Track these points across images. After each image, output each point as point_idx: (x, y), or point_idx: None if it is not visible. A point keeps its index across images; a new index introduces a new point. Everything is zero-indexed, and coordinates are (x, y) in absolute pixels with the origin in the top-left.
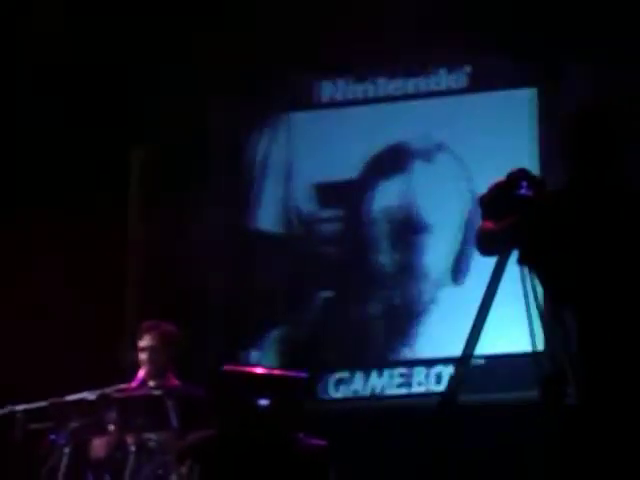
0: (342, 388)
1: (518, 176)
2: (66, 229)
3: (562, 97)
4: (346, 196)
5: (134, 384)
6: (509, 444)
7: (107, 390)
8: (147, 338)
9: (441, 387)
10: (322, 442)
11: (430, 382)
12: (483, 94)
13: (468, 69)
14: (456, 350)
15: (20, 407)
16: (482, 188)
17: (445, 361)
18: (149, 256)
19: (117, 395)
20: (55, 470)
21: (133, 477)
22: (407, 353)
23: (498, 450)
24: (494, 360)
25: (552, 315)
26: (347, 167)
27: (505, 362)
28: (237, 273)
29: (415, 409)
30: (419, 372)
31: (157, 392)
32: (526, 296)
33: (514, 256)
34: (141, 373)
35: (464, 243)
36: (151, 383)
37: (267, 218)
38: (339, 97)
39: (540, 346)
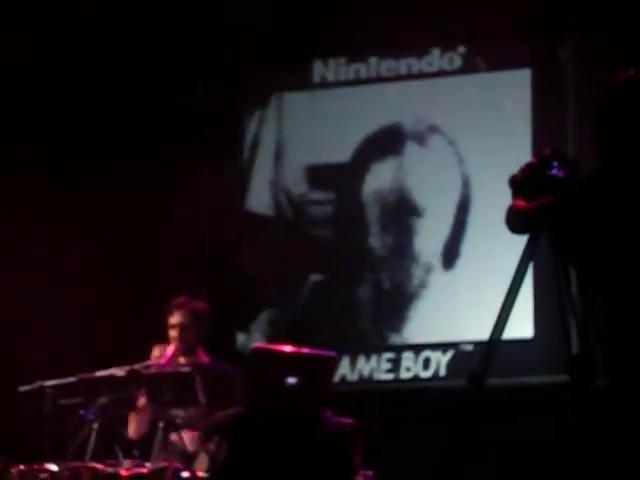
0: None
1: (549, 156)
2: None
3: (556, 78)
4: (337, 178)
5: (163, 360)
6: (535, 427)
7: (136, 366)
8: (177, 315)
9: (429, 373)
10: (349, 420)
11: (418, 368)
12: (477, 75)
13: (462, 50)
14: (444, 336)
15: (50, 383)
16: (475, 171)
17: (434, 346)
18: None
19: (146, 371)
20: (84, 445)
21: (161, 453)
22: (396, 338)
23: (521, 434)
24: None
25: (583, 298)
26: (338, 149)
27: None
28: (225, 255)
29: (404, 393)
30: (407, 357)
31: (186, 369)
32: (557, 279)
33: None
34: (170, 349)
35: (455, 227)
36: (181, 360)
37: (257, 200)
38: (331, 78)
39: (570, 329)
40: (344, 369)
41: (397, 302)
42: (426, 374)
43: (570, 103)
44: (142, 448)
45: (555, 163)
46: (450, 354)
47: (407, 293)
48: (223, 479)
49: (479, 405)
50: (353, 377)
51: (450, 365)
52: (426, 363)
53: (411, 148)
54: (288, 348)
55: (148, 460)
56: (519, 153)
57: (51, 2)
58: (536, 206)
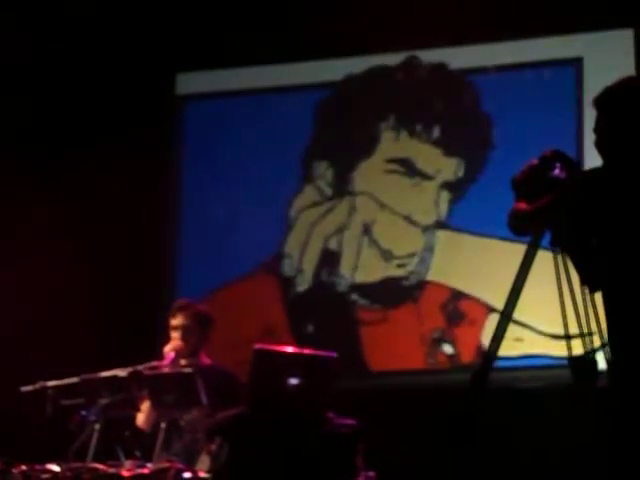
0: None
1: (552, 157)
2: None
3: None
4: None
5: (165, 362)
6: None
7: (138, 367)
8: (180, 317)
9: None
10: (352, 421)
11: None
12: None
13: None
14: None
15: (51, 383)
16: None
17: None
18: None
19: (148, 372)
20: (86, 446)
21: (163, 454)
22: None
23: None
24: None
25: (584, 298)
26: None
27: None
28: None
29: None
30: None
31: (187, 370)
32: (559, 279)
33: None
34: (172, 353)
35: None
36: (182, 362)
37: None
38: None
39: (572, 328)
40: None
41: None
42: None
43: None
44: (143, 449)
45: (557, 164)
46: None
47: None
48: None
49: (482, 405)
50: None
51: None
52: None
53: None
54: (290, 349)
55: (150, 461)
56: None
57: None
58: (538, 207)
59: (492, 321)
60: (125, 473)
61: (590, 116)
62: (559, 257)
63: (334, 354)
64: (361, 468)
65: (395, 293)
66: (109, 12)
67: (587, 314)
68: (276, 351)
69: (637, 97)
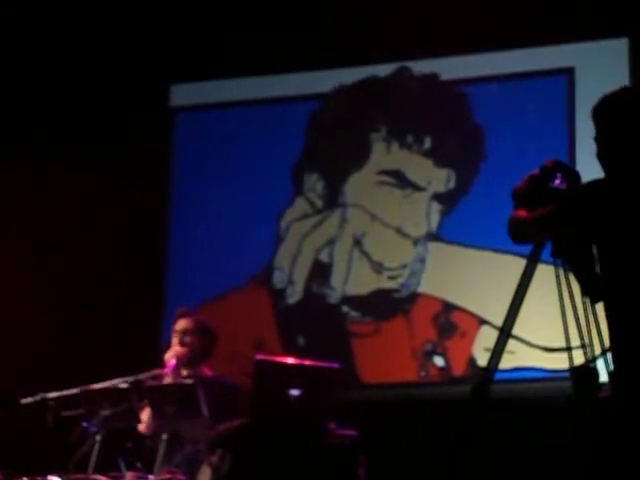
0: None
1: (552, 168)
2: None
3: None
4: None
5: (167, 370)
6: (539, 437)
7: (139, 377)
8: (181, 322)
9: None
10: (353, 432)
11: None
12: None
13: None
14: None
15: (52, 394)
16: None
17: None
18: None
19: (149, 383)
20: (87, 457)
21: (164, 465)
22: None
23: (526, 443)
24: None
25: (585, 309)
26: None
27: None
28: None
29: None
30: None
31: (188, 381)
32: (560, 290)
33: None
34: (173, 361)
35: None
36: (183, 372)
37: None
38: None
39: (574, 340)
40: None
41: None
42: None
43: None
44: (145, 460)
45: (557, 175)
46: None
47: None
48: None
49: (484, 415)
50: None
51: None
52: None
53: None
54: (291, 360)
55: (151, 472)
56: None
57: None
58: (538, 215)
59: (484, 333)
60: None
61: (583, 126)
62: (560, 269)
63: (336, 365)
64: (362, 479)
65: (386, 305)
66: (103, 24)
67: (588, 325)
68: (277, 362)
69: (635, 105)
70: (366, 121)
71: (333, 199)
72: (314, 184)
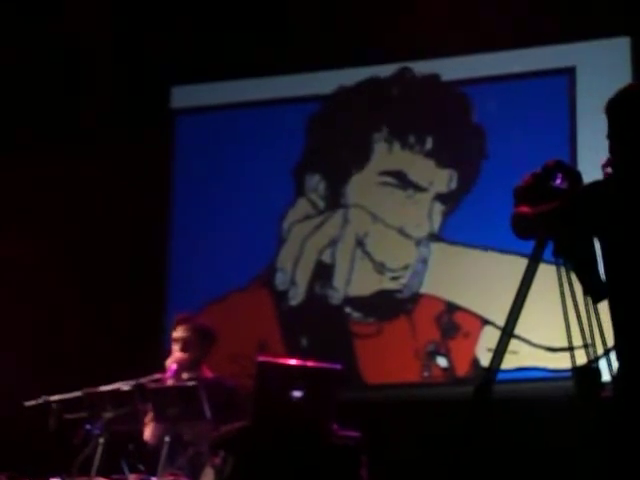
0: None
1: (554, 167)
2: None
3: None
4: None
5: (168, 374)
6: (541, 437)
7: (141, 380)
8: (180, 329)
9: None
10: (355, 433)
11: None
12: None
13: None
14: None
15: (55, 397)
16: None
17: None
18: None
19: (151, 386)
20: (90, 460)
21: (167, 467)
22: None
23: (529, 443)
24: None
25: (588, 309)
26: None
27: None
28: None
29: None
30: None
31: (191, 383)
32: (562, 289)
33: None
34: (174, 365)
35: None
36: (184, 375)
37: None
38: None
39: (576, 339)
40: None
41: None
42: None
43: None
44: (147, 463)
45: (559, 174)
46: None
47: None
48: None
49: (486, 415)
50: None
51: None
52: None
53: None
54: (294, 361)
55: (154, 475)
56: None
57: None
58: (541, 211)
59: (487, 333)
60: None
61: (584, 126)
62: (562, 269)
63: (338, 366)
64: None
65: (389, 306)
66: (105, 26)
67: (590, 325)
68: (280, 363)
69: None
70: (367, 122)
71: (335, 200)
72: (316, 185)
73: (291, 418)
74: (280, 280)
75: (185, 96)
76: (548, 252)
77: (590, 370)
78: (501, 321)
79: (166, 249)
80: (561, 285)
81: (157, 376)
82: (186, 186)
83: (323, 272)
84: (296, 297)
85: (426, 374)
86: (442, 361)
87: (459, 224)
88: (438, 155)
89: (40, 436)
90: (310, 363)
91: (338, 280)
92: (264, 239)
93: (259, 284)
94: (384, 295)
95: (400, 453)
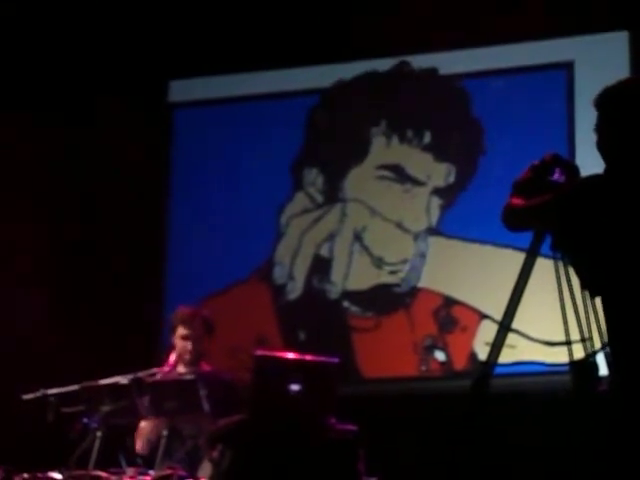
0: None
1: (551, 162)
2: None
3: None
4: None
5: (166, 368)
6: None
7: (139, 374)
8: (188, 327)
9: None
10: (352, 427)
11: None
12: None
13: None
14: None
15: (52, 391)
16: None
17: None
18: None
19: (149, 379)
20: (87, 453)
21: (165, 461)
22: None
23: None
24: None
25: (585, 303)
26: None
27: None
28: None
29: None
30: None
31: (189, 377)
32: (559, 283)
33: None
34: (173, 357)
35: None
36: (181, 368)
37: None
38: None
39: (573, 334)
40: None
41: None
42: None
43: None
44: (145, 456)
45: (557, 169)
46: None
47: None
48: None
49: (484, 409)
50: None
51: None
52: None
53: None
54: (291, 355)
55: (152, 468)
56: None
57: None
58: (534, 203)
59: (484, 328)
60: None
61: (582, 120)
62: (559, 263)
63: (336, 360)
64: (363, 474)
65: (387, 300)
66: (102, 19)
67: (588, 319)
68: (277, 357)
69: (637, 96)
70: (366, 116)
71: (333, 194)
72: (314, 179)
73: (289, 412)
74: (278, 274)
75: (183, 90)
76: (546, 246)
77: (587, 364)
78: (499, 315)
79: (164, 242)
80: (559, 279)
81: (155, 370)
82: (184, 180)
83: (321, 266)
84: (294, 291)
85: (424, 368)
86: (440, 355)
87: (457, 218)
88: (436, 149)
89: (38, 430)
90: (308, 357)
91: (336, 274)
92: (262, 233)
93: (257, 278)
94: (382, 289)
95: (398, 447)
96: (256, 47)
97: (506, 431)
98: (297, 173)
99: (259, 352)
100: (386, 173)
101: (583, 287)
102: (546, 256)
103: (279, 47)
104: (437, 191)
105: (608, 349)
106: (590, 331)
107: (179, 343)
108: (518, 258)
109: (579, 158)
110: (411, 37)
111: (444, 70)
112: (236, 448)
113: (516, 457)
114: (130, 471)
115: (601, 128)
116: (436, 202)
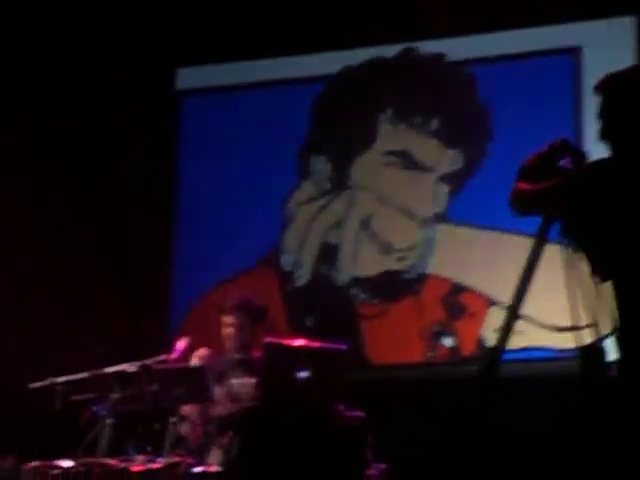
0: None
1: (560, 147)
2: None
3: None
4: None
5: (174, 355)
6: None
7: (147, 362)
8: (233, 316)
9: None
10: (361, 413)
11: None
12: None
13: None
14: None
15: (61, 379)
16: None
17: None
18: None
19: (157, 367)
20: (96, 441)
21: (173, 448)
22: None
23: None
24: None
25: (593, 288)
26: None
27: None
28: None
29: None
30: None
31: (196, 364)
32: (567, 269)
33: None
34: (181, 344)
35: None
36: (194, 356)
37: None
38: None
39: (582, 319)
40: None
41: None
42: None
43: None
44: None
45: (565, 154)
46: None
47: None
48: (236, 473)
49: (492, 395)
50: None
51: None
52: None
53: None
54: (299, 342)
55: (161, 455)
56: None
57: None
58: (541, 187)
59: (493, 314)
60: (136, 468)
61: (589, 106)
62: (568, 248)
63: (344, 346)
64: (371, 460)
65: (395, 287)
66: (109, 7)
67: (596, 304)
68: (286, 344)
69: (638, 83)
70: (372, 102)
71: (340, 181)
72: (321, 166)
73: (297, 398)
74: (286, 261)
75: (190, 77)
76: (555, 232)
77: (595, 350)
78: (507, 302)
79: (172, 231)
80: (567, 265)
81: (163, 357)
82: (191, 167)
83: (329, 253)
84: (302, 278)
85: (432, 354)
86: (448, 341)
87: (465, 204)
88: (443, 135)
89: (47, 418)
90: (316, 344)
91: (344, 261)
92: (270, 220)
93: (265, 265)
94: (390, 276)
95: (406, 433)
96: (263, 34)
97: (514, 417)
98: (304, 161)
99: (267, 339)
100: (393, 159)
101: (593, 272)
102: (554, 242)
103: (285, 34)
104: (444, 177)
105: (618, 334)
106: (598, 317)
107: (223, 330)
108: (526, 244)
109: (586, 143)
110: (417, 23)
111: (451, 56)
112: (246, 435)
113: (524, 442)
114: (139, 459)
115: (605, 115)
116: (443, 188)
